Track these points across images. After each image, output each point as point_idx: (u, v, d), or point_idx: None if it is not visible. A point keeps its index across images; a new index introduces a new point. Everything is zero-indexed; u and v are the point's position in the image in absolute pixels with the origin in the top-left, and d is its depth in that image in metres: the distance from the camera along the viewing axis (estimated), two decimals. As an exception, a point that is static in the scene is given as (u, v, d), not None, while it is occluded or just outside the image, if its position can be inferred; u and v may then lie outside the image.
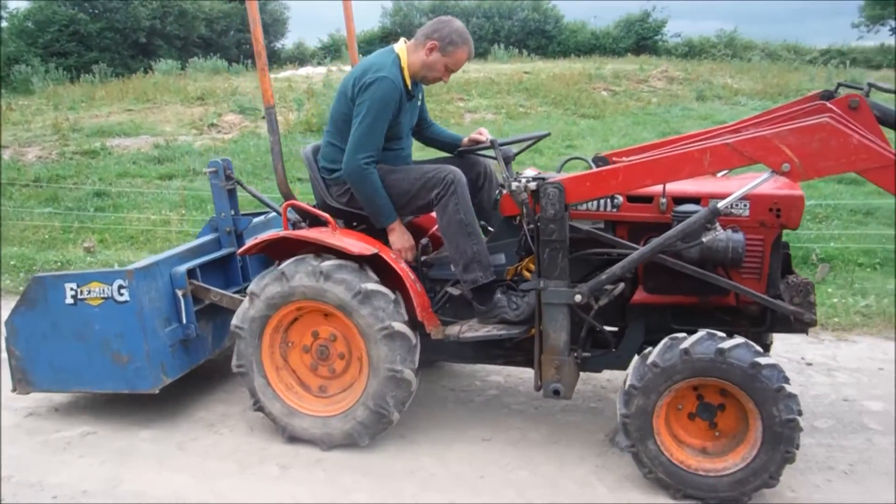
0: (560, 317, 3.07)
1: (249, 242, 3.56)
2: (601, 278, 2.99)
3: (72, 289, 3.60)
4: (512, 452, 3.39)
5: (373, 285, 3.24)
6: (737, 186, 3.00)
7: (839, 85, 3.36)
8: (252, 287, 3.43)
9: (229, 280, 4.10)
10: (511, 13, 36.02)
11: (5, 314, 3.82)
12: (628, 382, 2.92)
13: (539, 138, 3.55)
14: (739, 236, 2.95)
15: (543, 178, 3.08)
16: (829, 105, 2.75)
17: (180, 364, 3.76)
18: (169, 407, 3.87)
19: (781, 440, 2.77)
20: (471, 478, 3.21)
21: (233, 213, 4.09)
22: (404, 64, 3.43)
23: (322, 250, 3.33)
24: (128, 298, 3.51)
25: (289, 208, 3.55)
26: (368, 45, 35.40)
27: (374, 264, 3.32)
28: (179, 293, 3.69)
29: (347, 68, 18.35)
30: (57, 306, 3.64)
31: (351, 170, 3.35)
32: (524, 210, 3.12)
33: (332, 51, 32.43)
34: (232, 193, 4.08)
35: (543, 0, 36.44)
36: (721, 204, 2.80)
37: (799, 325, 3.05)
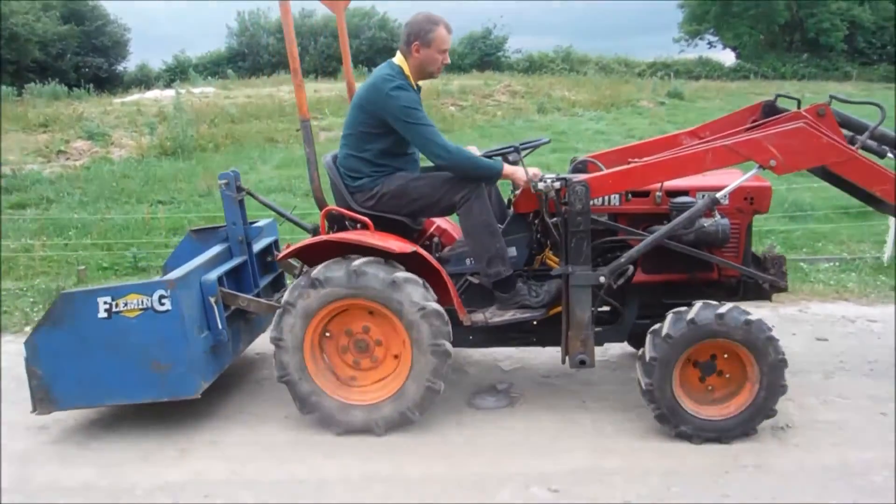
0: (585, 297, 3.62)
1: (288, 248, 3.83)
2: (620, 261, 3.58)
3: (106, 302, 3.68)
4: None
5: (402, 273, 3.61)
6: (716, 180, 3.71)
7: (777, 96, 4.17)
8: (287, 297, 3.67)
9: (242, 286, 4.30)
10: (358, 32, 36.43)
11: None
12: (648, 355, 3.50)
13: (542, 143, 4.07)
14: (726, 221, 3.65)
15: (565, 179, 3.63)
16: (802, 112, 3.50)
17: (213, 368, 3.96)
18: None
19: (775, 377, 3.49)
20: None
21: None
22: (407, 72, 3.83)
23: (361, 251, 3.67)
24: (169, 307, 3.66)
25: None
26: (216, 65, 34.61)
27: (410, 262, 3.71)
28: (212, 300, 3.88)
29: (197, 91, 18.00)
30: (87, 321, 3.70)
31: (445, 160, 3.69)
32: (545, 206, 3.67)
33: (178, 73, 31.53)
34: (241, 204, 4.31)
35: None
36: (720, 194, 3.48)
37: (773, 291, 3.80)
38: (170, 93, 18.37)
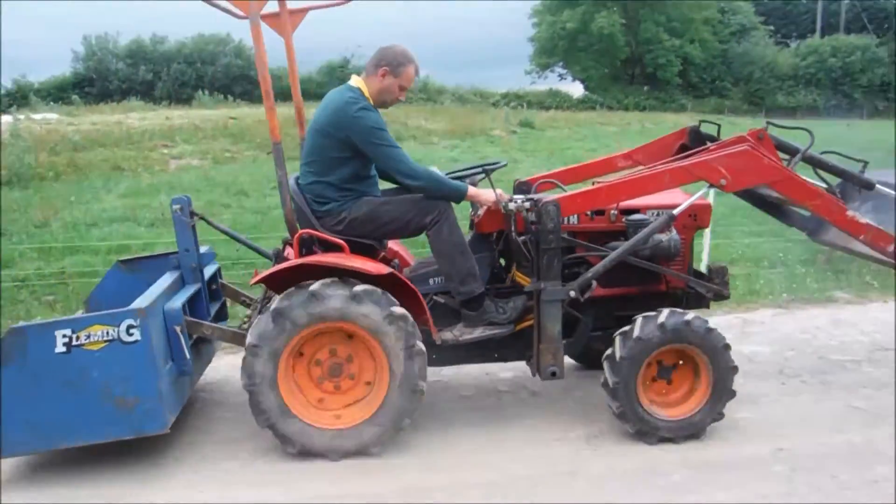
0: (556, 312, 3.84)
1: (266, 272, 3.78)
2: (587, 276, 3.84)
3: (65, 335, 3.48)
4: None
5: (398, 309, 3.67)
6: (660, 199, 4.08)
7: (701, 121, 4.65)
8: (278, 306, 3.60)
9: (196, 315, 4.18)
10: (214, 59, 35.69)
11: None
12: (618, 354, 3.77)
13: (501, 166, 4.28)
14: (677, 236, 4.02)
15: (534, 200, 3.87)
16: (745, 136, 3.93)
17: (178, 401, 3.83)
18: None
19: (726, 383, 3.86)
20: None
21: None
22: (367, 94, 3.89)
23: (334, 274, 3.68)
24: (139, 338, 3.51)
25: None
26: (61, 91, 32.59)
27: (384, 284, 3.77)
28: (177, 329, 3.77)
29: (39, 117, 17.08)
30: (41, 357, 3.48)
31: (413, 180, 3.79)
32: (514, 225, 3.89)
33: (17, 97, 29.54)
34: (193, 230, 4.21)
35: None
36: (676, 211, 3.84)
37: (717, 299, 4.21)
38: (7, 118, 17.19)
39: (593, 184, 4.07)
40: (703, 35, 46.40)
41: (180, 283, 4.18)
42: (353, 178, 3.91)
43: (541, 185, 4.44)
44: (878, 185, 3.91)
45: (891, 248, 3.81)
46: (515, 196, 3.96)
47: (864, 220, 3.79)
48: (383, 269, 3.72)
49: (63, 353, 3.50)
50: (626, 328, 3.82)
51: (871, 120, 40.17)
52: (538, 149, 19.43)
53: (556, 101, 44.28)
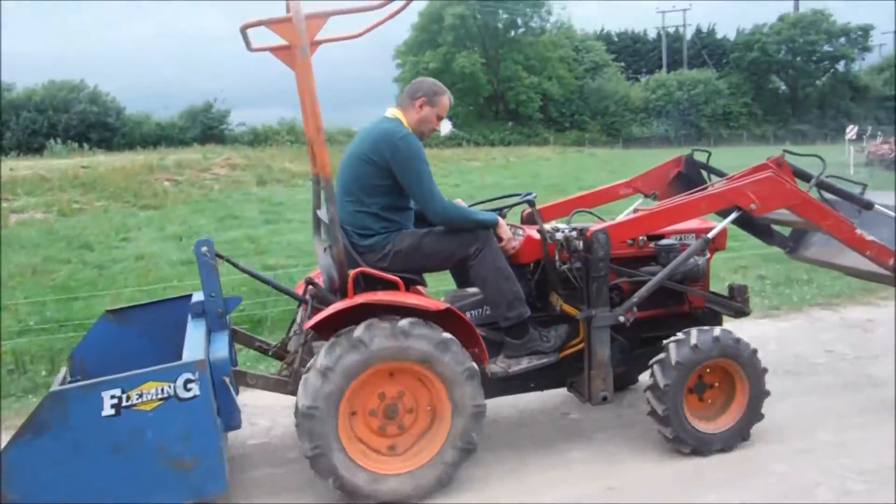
0: (605, 337, 3.95)
1: (323, 313, 3.63)
2: (633, 301, 3.99)
3: (113, 396, 3.20)
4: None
5: (447, 334, 3.62)
6: (677, 225, 4.32)
7: (693, 150, 4.98)
8: (323, 361, 3.47)
9: (225, 364, 3.97)
10: (68, 106, 33.99)
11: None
12: (662, 383, 3.88)
13: (526, 198, 4.36)
14: (702, 259, 4.27)
15: (580, 229, 4.00)
16: (768, 163, 4.24)
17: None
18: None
19: (760, 384, 4.07)
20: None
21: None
22: (405, 124, 3.90)
23: (390, 312, 3.59)
24: (197, 393, 3.27)
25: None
26: None
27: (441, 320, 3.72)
28: (226, 380, 3.56)
29: None
30: (84, 422, 3.16)
31: (442, 216, 3.77)
32: (558, 255, 3.99)
33: None
34: (217, 273, 4.01)
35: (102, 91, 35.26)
36: (711, 234, 4.08)
37: (738, 316, 4.48)
38: None
39: (635, 211, 4.25)
40: (560, 72, 49.13)
41: (208, 332, 3.95)
42: (394, 208, 3.87)
43: (547, 213, 4.58)
44: (876, 206, 4.35)
45: (891, 262, 4.23)
46: (558, 226, 4.08)
47: (869, 237, 4.20)
48: (440, 304, 3.70)
49: (112, 415, 3.21)
50: (661, 356, 3.97)
51: (717, 147, 43.91)
52: None
53: (431, 139, 45.20)
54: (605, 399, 4.00)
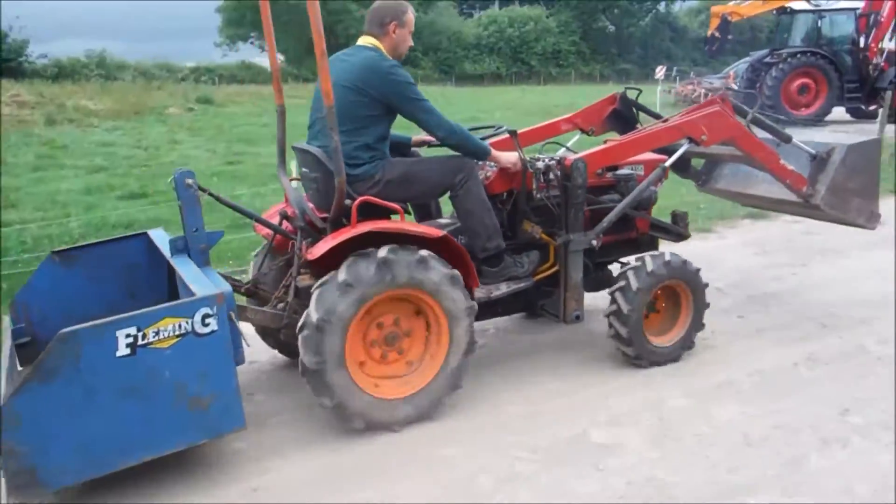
0: (579, 260, 4.31)
1: (328, 243, 3.64)
2: (602, 225, 4.36)
3: (129, 335, 3.11)
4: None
5: (455, 270, 3.82)
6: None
7: (626, 88, 5.40)
8: (344, 276, 3.53)
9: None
10: None
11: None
12: (634, 286, 4.29)
13: (502, 130, 4.55)
14: (654, 187, 4.72)
15: (557, 159, 4.29)
16: (715, 99, 4.69)
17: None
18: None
19: (701, 314, 4.65)
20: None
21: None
22: (385, 52, 3.98)
23: (391, 240, 3.68)
24: (215, 328, 3.24)
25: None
26: None
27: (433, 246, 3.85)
28: (232, 315, 3.54)
29: None
30: (97, 365, 3.05)
31: (451, 133, 3.91)
32: (536, 184, 4.27)
33: None
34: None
35: None
36: (667, 163, 4.51)
37: (679, 240, 5.00)
38: None
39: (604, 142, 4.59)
40: (392, 4, 48.52)
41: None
42: (382, 138, 3.95)
43: (501, 143, 4.81)
44: (794, 140, 4.98)
45: (804, 189, 4.90)
46: (539, 156, 4.34)
47: (790, 167, 4.83)
48: (438, 232, 3.88)
49: (127, 355, 3.14)
50: (636, 264, 4.41)
51: (546, 85, 45.89)
52: (207, 127, 19.30)
53: (249, 74, 43.58)
54: (577, 318, 4.38)
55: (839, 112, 19.61)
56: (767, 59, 19.41)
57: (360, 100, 3.82)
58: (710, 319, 4.77)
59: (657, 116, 5.30)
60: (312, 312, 3.56)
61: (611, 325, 4.46)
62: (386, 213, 3.93)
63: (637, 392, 4.24)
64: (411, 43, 4.12)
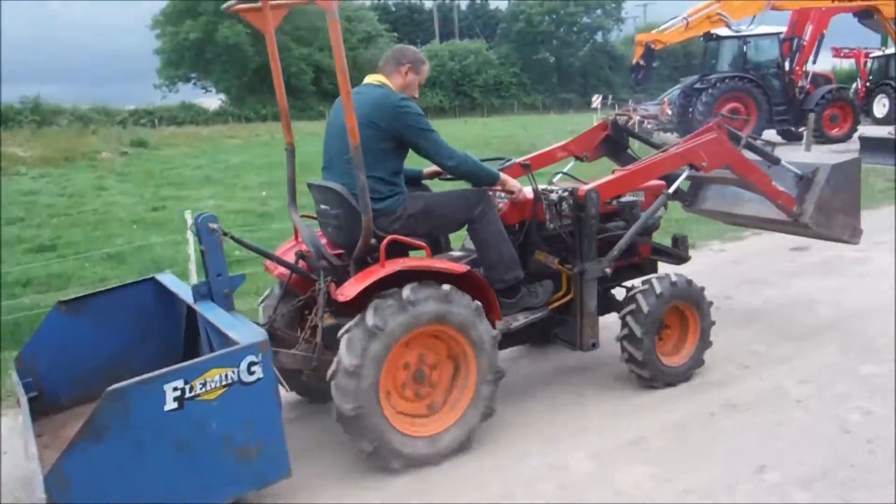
0: (594, 289, 4.44)
1: (360, 283, 3.67)
2: (614, 253, 4.50)
3: (176, 388, 3.10)
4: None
5: (477, 302, 3.90)
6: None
7: (616, 114, 5.62)
8: (372, 320, 3.58)
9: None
10: None
11: None
12: (646, 309, 4.43)
13: (508, 163, 4.71)
14: (662, 213, 4.91)
15: (569, 190, 4.43)
16: (712, 126, 4.92)
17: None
18: None
19: (708, 332, 4.81)
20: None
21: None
22: (394, 89, 4.08)
23: (418, 277, 3.76)
24: (260, 375, 3.25)
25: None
26: None
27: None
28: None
29: None
30: (146, 420, 3.05)
31: (462, 163, 4.04)
32: (548, 214, 4.41)
33: None
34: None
35: None
36: (670, 190, 4.70)
37: (680, 263, 5.18)
38: None
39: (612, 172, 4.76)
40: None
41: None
42: (397, 171, 4.04)
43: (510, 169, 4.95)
44: (782, 162, 5.25)
45: (794, 209, 5.16)
46: (551, 187, 4.49)
47: (781, 188, 5.09)
48: (463, 267, 3.97)
49: (175, 409, 3.13)
50: (644, 287, 4.55)
51: (489, 117, 46.64)
52: (138, 171, 19.11)
53: (190, 114, 43.30)
54: (594, 346, 4.50)
55: (770, 135, 20.03)
56: (697, 85, 19.68)
57: (372, 133, 3.88)
58: (625, 365, 4.69)
59: (648, 141, 5.52)
60: (344, 358, 3.60)
61: (624, 350, 4.59)
62: (406, 248, 4.01)
63: (535, 457, 3.96)
64: (416, 94, 4.23)
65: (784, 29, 20.02)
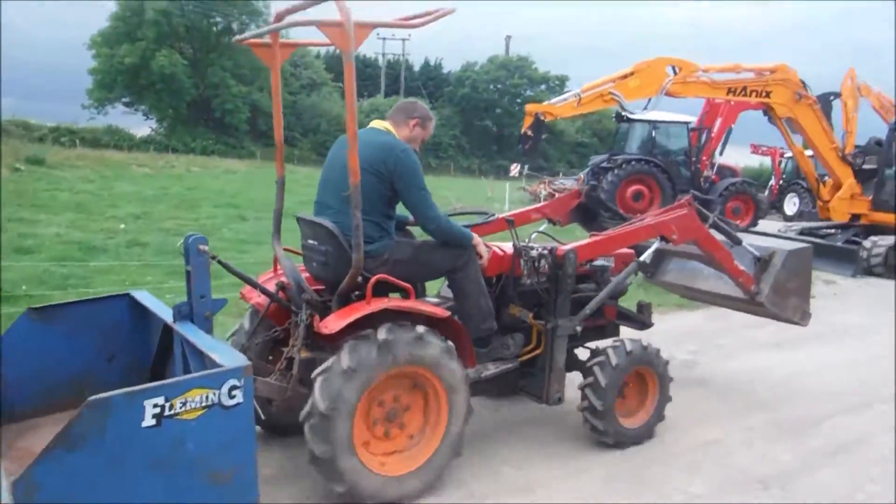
0: (564, 344, 4.64)
1: (345, 317, 3.77)
2: (585, 312, 4.72)
3: (156, 405, 3.10)
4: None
5: (449, 343, 4.05)
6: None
7: (591, 185, 5.93)
8: (348, 363, 3.69)
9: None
10: None
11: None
12: (603, 382, 4.62)
13: (491, 219, 4.95)
14: (631, 279, 5.17)
15: (548, 249, 4.65)
16: (683, 203, 5.21)
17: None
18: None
19: (666, 390, 5.06)
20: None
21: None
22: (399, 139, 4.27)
23: (400, 317, 3.91)
24: (240, 400, 3.28)
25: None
26: None
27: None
28: (245, 386, 3.59)
29: None
30: (123, 434, 3.04)
31: (438, 226, 4.18)
32: (528, 271, 4.61)
33: None
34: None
35: None
36: (643, 257, 4.98)
37: (644, 328, 5.43)
38: None
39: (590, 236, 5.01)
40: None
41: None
42: (389, 216, 4.20)
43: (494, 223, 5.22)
44: (743, 243, 5.62)
45: (752, 288, 5.52)
46: (531, 245, 4.70)
47: (742, 267, 5.45)
48: (445, 312, 4.11)
49: (152, 426, 3.12)
50: (599, 358, 4.76)
51: (427, 175, 47.05)
52: (14, 189, 18.33)
53: (114, 139, 42.55)
54: (559, 400, 4.68)
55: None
56: (604, 164, 19.59)
57: (374, 180, 4.04)
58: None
59: (616, 212, 5.84)
60: (319, 401, 3.68)
61: (586, 421, 4.80)
62: (389, 289, 4.13)
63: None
64: (418, 148, 4.41)
65: (694, 119, 20.72)
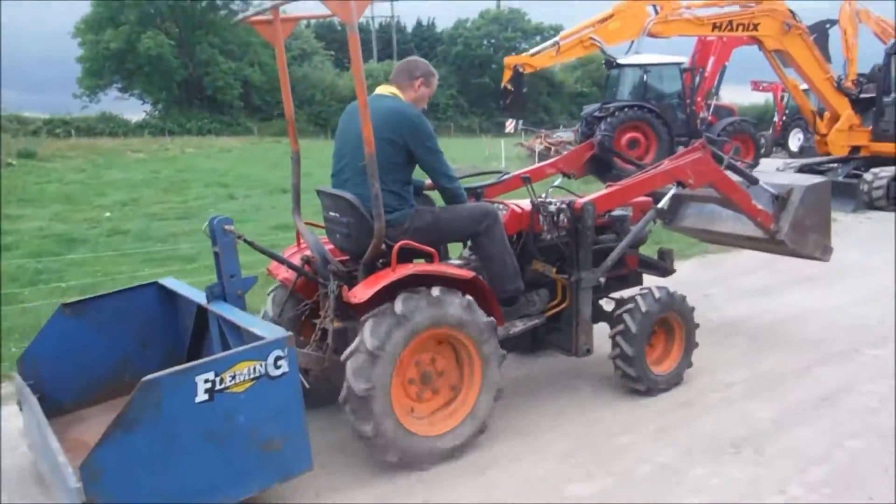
0: (589, 297, 4.75)
1: (373, 285, 3.86)
2: (607, 263, 4.82)
3: (207, 380, 3.24)
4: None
5: (492, 319, 4.16)
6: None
7: (603, 134, 6.00)
8: (401, 308, 3.81)
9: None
10: None
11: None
12: (633, 329, 4.72)
13: (506, 176, 5.03)
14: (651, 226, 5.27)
15: (566, 203, 4.74)
16: (698, 146, 5.28)
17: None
18: None
19: (693, 335, 5.18)
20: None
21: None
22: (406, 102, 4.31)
23: (426, 282, 4.00)
24: (286, 370, 3.42)
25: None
26: None
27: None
28: (288, 357, 3.72)
29: None
30: (178, 411, 3.18)
31: (454, 192, 4.30)
32: (546, 226, 4.72)
33: None
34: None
35: None
36: (661, 204, 5.07)
37: (666, 275, 5.54)
38: None
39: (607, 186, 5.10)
40: (263, 58, 48.62)
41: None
42: (407, 183, 4.25)
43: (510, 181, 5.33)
44: (760, 182, 5.69)
45: (771, 227, 5.60)
46: (549, 200, 4.79)
47: (760, 206, 5.53)
48: (469, 273, 4.22)
49: (205, 401, 3.25)
50: (629, 305, 4.87)
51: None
52: (25, 185, 18.53)
53: (109, 126, 42.46)
54: (588, 351, 4.80)
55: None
56: (597, 114, 19.04)
57: (388, 149, 4.07)
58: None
59: (631, 161, 5.91)
60: (367, 340, 3.79)
61: (617, 367, 4.92)
62: (413, 255, 4.22)
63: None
64: (426, 106, 4.46)
65: (686, 59, 20.26)
